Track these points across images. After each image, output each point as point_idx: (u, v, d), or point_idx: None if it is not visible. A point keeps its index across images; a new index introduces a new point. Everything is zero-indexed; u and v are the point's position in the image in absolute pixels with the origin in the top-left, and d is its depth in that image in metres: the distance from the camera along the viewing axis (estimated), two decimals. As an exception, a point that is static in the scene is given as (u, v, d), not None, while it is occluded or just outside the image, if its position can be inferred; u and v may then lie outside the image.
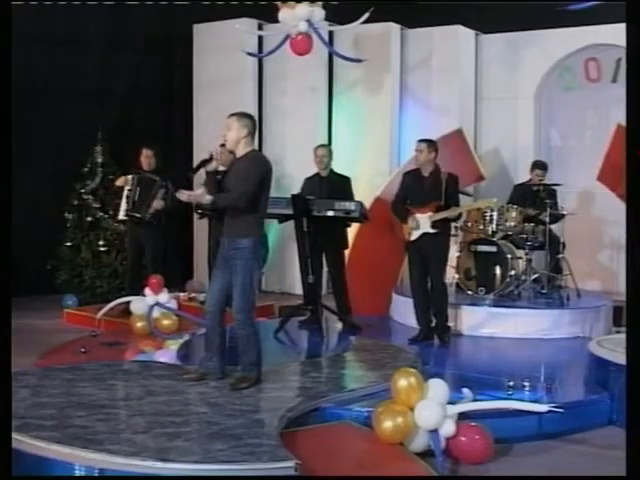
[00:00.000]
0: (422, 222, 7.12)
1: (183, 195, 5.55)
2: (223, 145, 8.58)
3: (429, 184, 7.19)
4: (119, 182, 8.58)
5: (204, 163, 5.81)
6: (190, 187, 9.42)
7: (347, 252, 8.23)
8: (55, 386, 5.38)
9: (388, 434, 4.66)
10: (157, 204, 8.34)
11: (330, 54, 10.26)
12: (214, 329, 5.60)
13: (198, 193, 5.57)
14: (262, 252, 5.61)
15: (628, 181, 4.63)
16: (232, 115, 5.59)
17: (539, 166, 8.84)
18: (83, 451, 4.13)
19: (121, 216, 8.56)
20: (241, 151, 5.56)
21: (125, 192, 8.45)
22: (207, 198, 5.47)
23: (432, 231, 7.10)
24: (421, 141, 7.28)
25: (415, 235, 7.17)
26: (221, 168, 5.90)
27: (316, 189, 7.83)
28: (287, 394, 5.40)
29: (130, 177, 8.48)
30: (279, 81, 10.82)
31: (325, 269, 8.21)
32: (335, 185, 7.86)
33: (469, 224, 8.37)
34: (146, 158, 8.48)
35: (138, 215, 8.33)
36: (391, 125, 10.43)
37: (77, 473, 4.11)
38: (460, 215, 7.69)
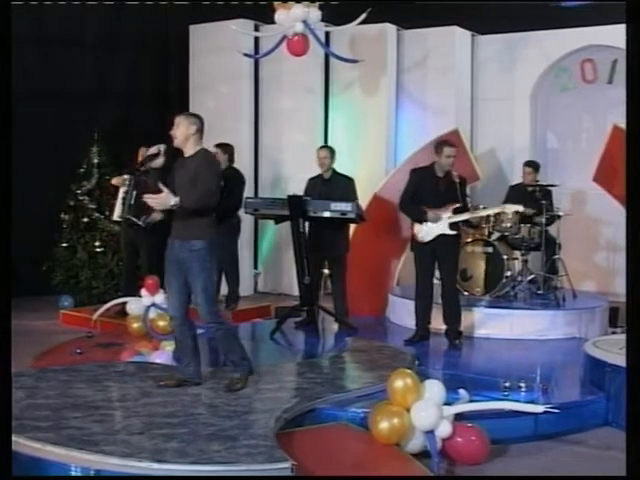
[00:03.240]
0: (441, 223, 7.06)
1: (151, 201, 5.32)
2: (219, 146, 8.59)
3: (444, 185, 7.10)
4: (115, 181, 8.54)
5: (151, 158, 5.73)
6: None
7: (347, 254, 8.20)
8: (51, 387, 5.38)
9: (384, 435, 4.66)
10: (157, 215, 8.20)
11: (326, 55, 10.26)
12: (184, 334, 5.52)
13: (163, 196, 5.27)
14: (218, 254, 5.49)
15: (628, 181, 4.64)
16: (180, 115, 5.53)
17: (529, 165, 8.84)
18: (79, 452, 4.13)
19: (115, 217, 8.51)
20: (190, 149, 5.46)
21: (121, 193, 8.40)
22: (174, 200, 5.24)
23: (450, 233, 7.06)
24: (452, 146, 7.12)
25: (431, 236, 7.08)
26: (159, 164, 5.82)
27: (318, 190, 7.83)
28: (283, 395, 5.39)
29: (127, 177, 8.41)
30: (275, 82, 10.81)
31: (326, 271, 8.21)
32: (337, 186, 7.85)
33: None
34: (141, 157, 8.42)
35: (134, 219, 8.25)
36: (387, 126, 10.43)
37: (73, 474, 4.11)
38: (481, 219, 7.64)
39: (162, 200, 5.30)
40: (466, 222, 7.42)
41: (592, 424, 5.47)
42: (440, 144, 7.20)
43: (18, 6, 8.22)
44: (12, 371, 4.70)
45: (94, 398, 5.16)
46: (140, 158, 8.41)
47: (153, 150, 5.63)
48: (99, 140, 9.98)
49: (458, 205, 7.07)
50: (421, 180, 7.21)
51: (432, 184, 7.13)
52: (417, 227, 7.18)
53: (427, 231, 7.10)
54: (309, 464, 4.29)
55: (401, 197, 7.36)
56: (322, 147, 8.22)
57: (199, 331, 5.73)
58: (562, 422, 5.25)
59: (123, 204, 8.32)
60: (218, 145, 8.48)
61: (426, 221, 7.08)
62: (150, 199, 5.32)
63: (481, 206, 7.85)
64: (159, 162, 5.62)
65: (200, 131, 5.49)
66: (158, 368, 6.08)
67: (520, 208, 7.74)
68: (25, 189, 9.21)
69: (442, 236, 7.06)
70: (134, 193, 8.27)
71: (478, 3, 9.97)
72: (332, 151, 8.02)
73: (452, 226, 7.06)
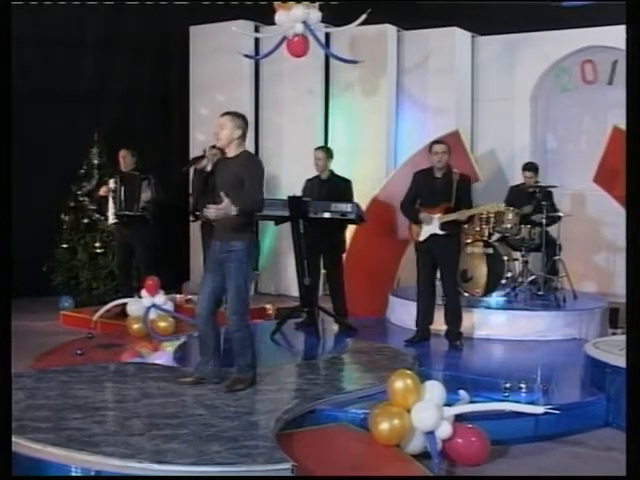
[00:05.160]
0: (432, 223, 7.12)
1: (211, 211, 5.30)
2: (214, 147, 8.59)
3: (440, 185, 7.16)
4: (102, 192, 8.59)
5: (196, 160, 5.78)
6: (186, 181, 9.55)
7: (344, 254, 8.21)
8: (51, 388, 5.37)
9: (384, 436, 4.66)
10: (145, 196, 8.34)
11: (326, 56, 10.27)
12: (208, 333, 5.57)
13: (223, 206, 5.26)
14: (255, 254, 5.55)
15: (628, 182, 4.64)
16: (226, 114, 5.53)
17: (529, 168, 8.83)
18: (79, 453, 4.13)
19: (111, 219, 8.55)
20: (233, 151, 5.50)
21: (110, 195, 8.45)
22: (233, 209, 5.27)
23: (440, 233, 7.10)
24: (442, 143, 7.22)
25: (424, 235, 7.16)
26: (209, 168, 5.89)
27: (315, 191, 7.83)
28: (283, 396, 5.39)
29: (112, 180, 8.50)
30: (276, 83, 10.82)
31: (323, 271, 8.21)
32: (335, 188, 7.86)
33: (465, 226, 8.35)
34: (122, 158, 8.51)
35: (129, 213, 8.31)
36: (387, 127, 10.44)
37: (73, 475, 4.11)
38: (471, 218, 7.68)
39: (225, 209, 5.28)
40: (458, 222, 7.42)
41: (592, 425, 5.46)
42: (430, 144, 7.31)
43: (18, 6, 8.23)
44: (12, 372, 4.70)
45: (94, 399, 5.15)
46: (121, 160, 8.48)
47: (200, 152, 5.65)
48: (99, 141, 9.99)
49: (449, 205, 7.10)
50: (421, 181, 7.30)
51: (429, 184, 7.22)
52: (414, 228, 7.26)
53: (421, 231, 7.16)
54: (309, 465, 4.29)
55: (402, 200, 7.44)
56: (318, 148, 8.23)
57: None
58: (562, 423, 5.25)
59: (115, 204, 8.38)
60: (214, 146, 8.48)
61: (420, 222, 7.15)
62: (213, 209, 5.29)
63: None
64: (203, 164, 5.65)
65: (244, 134, 5.52)
66: (158, 369, 6.08)
67: (501, 207, 7.78)
68: (25, 190, 9.22)
69: (436, 236, 7.11)
70: (122, 189, 8.34)
71: (478, 4, 9.97)
72: (328, 152, 8.02)
73: (443, 226, 7.10)
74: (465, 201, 7.20)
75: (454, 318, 7.25)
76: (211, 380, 5.54)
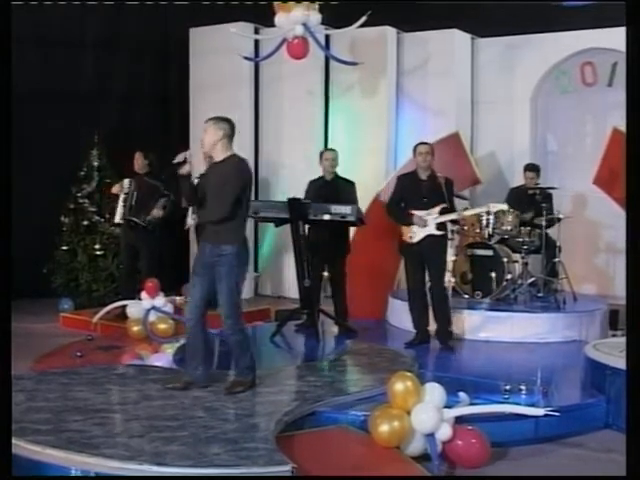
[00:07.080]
0: (428, 224, 7.13)
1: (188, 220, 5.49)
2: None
3: (428, 187, 7.18)
4: (115, 190, 8.60)
5: (178, 166, 5.75)
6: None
7: (347, 256, 8.18)
8: (51, 390, 5.37)
9: (384, 438, 4.66)
10: (157, 212, 8.35)
11: (326, 58, 10.27)
12: (197, 337, 5.51)
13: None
14: (246, 256, 5.53)
15: (628, 183, 4.64)
16: (209, 119, 5.53)
17: (530, 169, 8.84)
18: (79, 455, 4.13)
19: (117, 219, 8.56)
20: (219, 155, 5.46)
21: (122, 196, 8.46)
22: (189, 222, 5.44)
23: (437, 233, 7.11)
24: (426, 144, 7.27)
25: (419, 237, 7.16)
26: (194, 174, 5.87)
27: (320, 192, 7.82)
28: (283, 398, 5.39)
29: (127, 181, 8.50)
30: (275, 85, 10.82)
31: (325, 274, 8.20)
32: (339, 189, 7.84)
33: (465, 228, 8.37)
34: (136, 161, 8.51)
35: (135, 220, 8.33)
36: (387, 128, 10.43)
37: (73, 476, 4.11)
38: (468, 217, 7.68)
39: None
40: (453, 222, 7.45)
41: (592, 427, 5.47)
42: (414, 146, 7.32)
43: (18, 6, 8.22)
44: (12, 374, 4.70)
45: (94, 401, 5.15)
46: (136, 163, 8.50)
47: (180, 158, 5.64)
48: (99, 143, 9.98)
49: (444, 205, 7.12)
50: (405, 185, 7.33)
51: (416, 187, 7.24)
52: (405, 230, 7.24)
53: (415, 232, 7.16)
54: (309, 467, 4.29)
55: (387, 203, 7.52)
56: (328, 150, 8.19)
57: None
58: (562, 425, 5.26)
59: (124, 206, 8.40)
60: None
61: (412, 224, 7.15)
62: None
63: (468, 206, 7.88)
64: (186, 169, 5.64)
65: (228, 136, 5.47)
66: (158, 371, 6.08)
67: (505, 207, 7.80)
68: (25, 191, 9.21)
69: (429, 237, 7.13)
70: (135, 194, 8.37)
71: (478, 5, 9.97)
72: (337, 153, 8.02)
73: (439, 226, 7.13)
74: (451, 203, 7.26)
75: (443, 317, 7.26)
76: (199, 385, 5.49)
